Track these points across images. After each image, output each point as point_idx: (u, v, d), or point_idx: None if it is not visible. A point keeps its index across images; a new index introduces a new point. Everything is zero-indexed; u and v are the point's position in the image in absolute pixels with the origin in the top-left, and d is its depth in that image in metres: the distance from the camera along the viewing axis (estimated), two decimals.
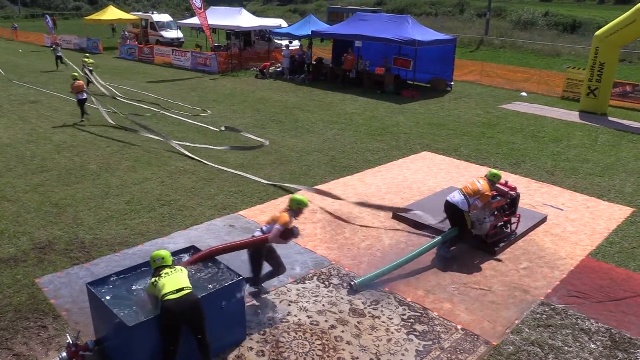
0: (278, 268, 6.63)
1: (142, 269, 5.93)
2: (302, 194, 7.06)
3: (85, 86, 16.15)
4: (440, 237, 7.78)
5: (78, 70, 20.36)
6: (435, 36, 21.35)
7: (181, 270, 5.32)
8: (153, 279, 5.22)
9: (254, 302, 6.52)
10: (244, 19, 27.64)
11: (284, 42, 28.22)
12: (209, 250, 6.18)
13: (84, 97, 15.30)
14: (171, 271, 5.25)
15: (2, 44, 40.62)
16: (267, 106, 18.00)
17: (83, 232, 8.34)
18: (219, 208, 9.36)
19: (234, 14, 28.16)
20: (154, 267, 5.35)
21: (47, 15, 42.87)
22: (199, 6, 25.33)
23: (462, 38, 34.73)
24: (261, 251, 6.38)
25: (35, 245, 7.90)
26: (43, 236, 8.20)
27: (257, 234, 6.41)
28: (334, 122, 15.89)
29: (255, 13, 35.11)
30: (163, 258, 5.37)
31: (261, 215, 9.04)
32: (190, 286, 5.18)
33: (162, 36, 35.08)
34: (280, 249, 7.85)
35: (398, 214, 9.10)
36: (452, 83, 21.91)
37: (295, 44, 27.73)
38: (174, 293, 5.04)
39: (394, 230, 8.69)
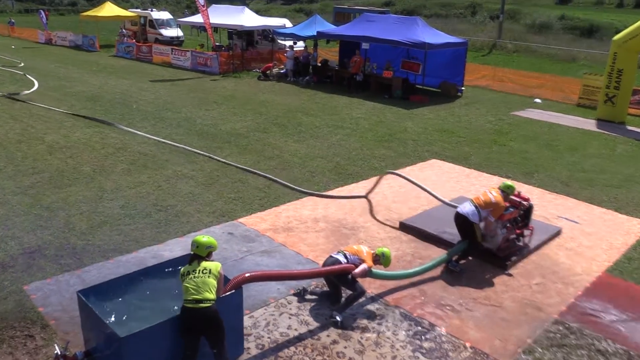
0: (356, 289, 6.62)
1: (137, 277, 5.91)
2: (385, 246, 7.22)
3: None
4: (449, 251, 7.78)
5: None
6: (446, 39, 21.38)
7: (209, 273, 5.18)
8: (183, 269, 5.25)
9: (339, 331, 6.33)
10: (247, 18, 27.74)
11: (288, 43, 28.28)
12: (279, 272, 6.60)
13: None
14: (199, 273, 5.15)
15: None
16: (270, 109, 18.02)
17: (75, 238, 8.32)
18: (217, 215, 9.34)
19: (237, 12, 28.27)
20: (191, 251, 5.36)
21: (42, 11, 43.14)
22: (203, 3, 25.40)
23: (473, 41, 34.82)
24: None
25: (24, 250, 7.88)
26: (32, 241, 8.19)
27: (342, 259, 6.59)
28: (339, 127, 15.89)
29: (258, 12, 35.28)
30: (198, 246, 5.30)
31: (262, 223, 9.02)
32: (211, 297, 5.08)
33: (161, 34, 35.22)
34: (280, 260, 7.87)
35: (405, 225, 9.06)
36: (463, 88, 21.93)
37: (300, 45, 27.78)
38: (192, 303, 5.02)
39: (400, 241, 8.66)
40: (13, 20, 46.52)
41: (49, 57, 30.23)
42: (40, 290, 6.89)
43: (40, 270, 7.35)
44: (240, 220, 9.17)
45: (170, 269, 6.03)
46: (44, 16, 40.82)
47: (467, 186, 11.20)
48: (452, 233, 8.27)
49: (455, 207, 8.30)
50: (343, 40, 23.70)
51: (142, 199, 9.93)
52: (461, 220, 7.70)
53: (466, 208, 7.68)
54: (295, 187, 10.70)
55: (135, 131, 14.36)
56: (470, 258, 7.99)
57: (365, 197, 10.33)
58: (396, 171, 10.81)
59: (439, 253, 8.05)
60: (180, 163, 12.03)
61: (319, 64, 24.42)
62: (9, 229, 8.54)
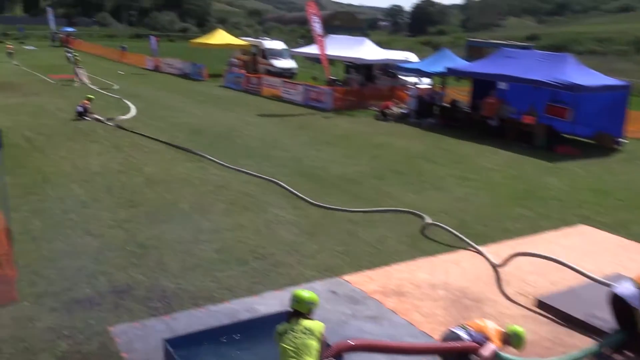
0: None
1: (228, 331, 6.08)
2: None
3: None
4: (601, 341, 7.24)
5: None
6: (603, 81, 20.70)
7: (311, 333, 5.20)
8: (280, 328, 5.31)
9: None
10: (367, 51, 28.58)
11: (412, 80, 28.60)
12: (388, 343, 6.51)
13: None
14: (299, 333, 5.18)
15: (105, 64, 45.40)
16: (387, 153, 18.18)
17: (166, 280, 8.78)
18: (320, 269, 9.44)
19: (356, 44, 29.23)
20: (290, 307, 5.42)
21: (152, 36, 47.42)
22: (320, 32, 26.47)
23: (638, 84, 33.05)
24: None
25: (113, 288, 8.42)
26: (123, 279, 8.74)
27: (463, 335, 6.35)
28: (466, 178, 15.63)
29: (380, 44, 36.12)
30: (298, 301, 5.37)
31: (370, 284, 8.97)
32: None
33: (272, 65, 37.06)
34: (388, 329, 7.74)
35: (544, 303, 8.59)
36: (624, 140, 20.81)
37: (425, 82, 27.98)
38: None
39: (537, 322, 8.19)
40: (125, 46, 51.57)
41: (155, 85, 33.02)
42: (125, 333, 7.27)
43: (127, 312, 7.80)
44: (346, 277, 9.18)
45: (265, 325, 6.12)
46: (155, 42, 44.83)
47: (626, 262, 10.43)
48: (604, 319, 7.68)
49: (609, 285, 7.76)
50: (476, 78, 23.55)
51: (239, 244, 10.30)
52: (618, 303, 7.16)
53: (626, 289, 7.13)
54: (304, 197, 12.18)
55: (238, 168, 15.08)
56: (628, 353, 7.37)
57: (412, 212, 12.08)
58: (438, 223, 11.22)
59: (587, 342, 7.50)
60: (283, 207, 12.39)
61: (447, 105, 24.36)
62: (101, 264, 9.21)
